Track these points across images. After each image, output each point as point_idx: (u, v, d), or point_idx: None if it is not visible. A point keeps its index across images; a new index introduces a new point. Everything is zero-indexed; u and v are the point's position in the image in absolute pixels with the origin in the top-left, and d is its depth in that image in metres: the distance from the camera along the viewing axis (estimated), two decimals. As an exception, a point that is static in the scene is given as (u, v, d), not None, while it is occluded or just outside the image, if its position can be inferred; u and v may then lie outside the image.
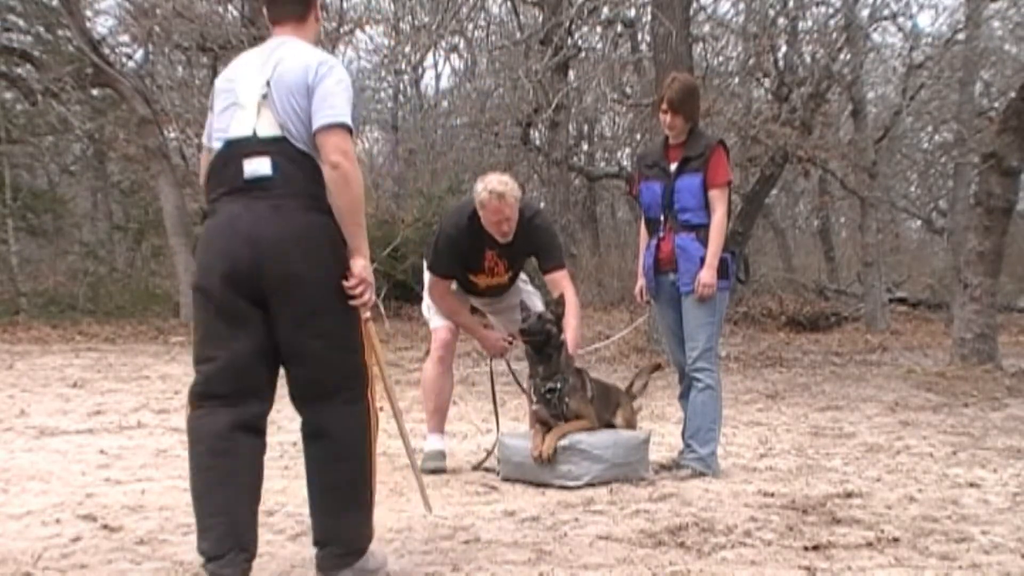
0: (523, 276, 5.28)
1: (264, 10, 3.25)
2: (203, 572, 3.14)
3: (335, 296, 2.96)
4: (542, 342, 4.57)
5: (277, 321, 2.95)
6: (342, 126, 2.92)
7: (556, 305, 4.69)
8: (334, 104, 2.93)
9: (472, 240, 4.86)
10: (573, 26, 12.24)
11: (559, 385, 4.60)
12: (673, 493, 4.38)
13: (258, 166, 2.92)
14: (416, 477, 3.48)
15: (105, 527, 3.69)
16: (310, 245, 2.92)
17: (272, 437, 6.00)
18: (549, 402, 4.62)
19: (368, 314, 3.06)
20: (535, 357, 4.63)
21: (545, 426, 4.65)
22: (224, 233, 2.95)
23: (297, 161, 2.94)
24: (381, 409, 3.20)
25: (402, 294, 15.18)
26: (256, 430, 3.03)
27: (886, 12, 15.27)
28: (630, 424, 5.02)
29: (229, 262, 2.92)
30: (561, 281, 4.86)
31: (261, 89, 2.96)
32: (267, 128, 2.94)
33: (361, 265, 2.98)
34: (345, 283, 2.97)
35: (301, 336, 2.96)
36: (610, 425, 4.89)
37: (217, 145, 3.01)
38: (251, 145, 2.94)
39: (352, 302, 3.00)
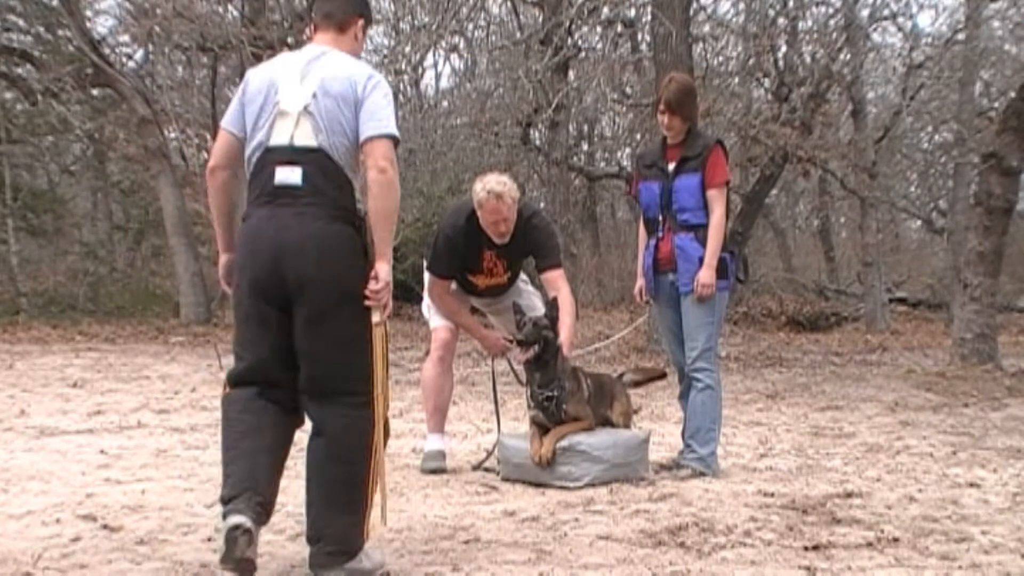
0: (523, 276, 5.27)
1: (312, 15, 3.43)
2: (202, 572, 3.15)
3: (345, 302, 3.07)
4: (539, 352, 4.55)
5: (293, 321, 3.07)
6: (390, 137, 3.10)
7: (551, 309, 4.67)
8: (382, 116, 3.10)
9: (470, 240, 4.86)
10: (573, 26, 12.23)
11: (556, 393, 4.58)
12: (673, 493, 4.38)
13: (289, 175, 3.07)
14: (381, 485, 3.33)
15: (105, 527, 3.69)
16: (325, 251, 3.05)
17: (272, 437, 5.98)
18: (547, 410, 4.61)
19: (379, 319, 3.13)
20: (532, 364, 4.61)
21: (543, 428, 4.65)
22: (251, 239, 3.12)
23: (327, 172, 3.09)
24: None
25: (402, 294, 15.14)
26: (286, 407, 3.16)
27: (886, 12, 15.29)
28: (626, 416, 5.01)
29: (254, 268, 3.09)
30: (557, 281, 4.86)
31: (305, 100, 3.10)
32: (304, 138, 3.09)
33: (386, 269, 3.10)
34: (370, 285, 3.08)
35: (310, 336, 3.07)
36: (607, 420, 4.88)
37: (256, 151, 3.15)
38: (286, 154, 3.09)
39: (368, 302, 3.09)
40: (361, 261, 3.11)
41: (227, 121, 3.24)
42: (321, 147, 3.09)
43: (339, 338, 3.08)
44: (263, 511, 2.99)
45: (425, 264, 5.15)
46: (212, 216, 3.35)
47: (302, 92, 3.11)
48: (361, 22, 3.36)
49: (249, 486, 2.98)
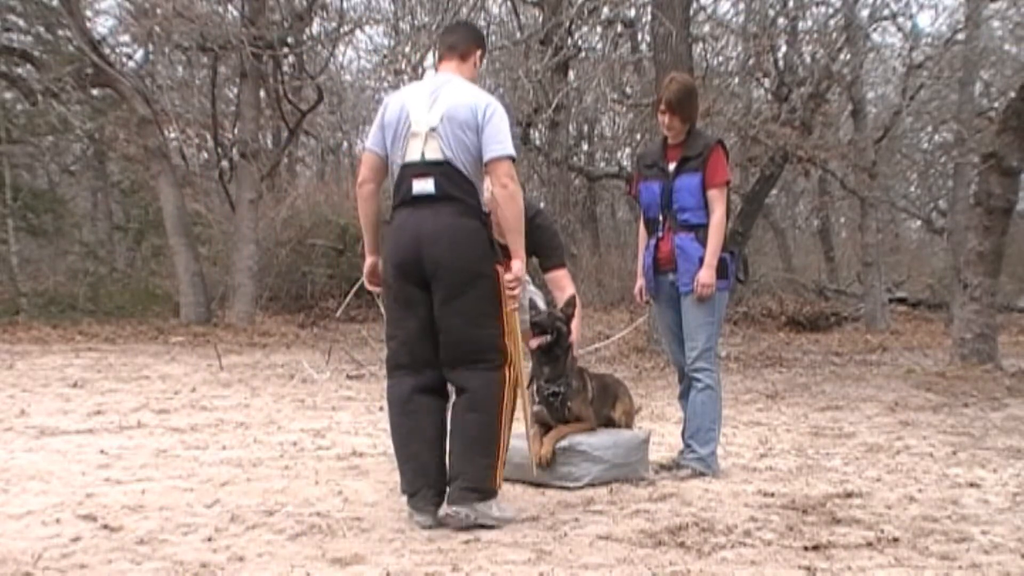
0: (525, 276, 5.26)
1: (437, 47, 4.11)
2: (202, 572, 3.17)
3: (473, 282, 3.70)
4: (551, 342, 4.54)
5: (433, 299, 3.71)
6: (510, 157, 3.73)
7: (567, 306, 4.65)
8: (502, 140, 3.72)
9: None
10: (573, 26, 12.23)
11: (563, 389, 4.57)
12: (673, 493, 4.38)
13: (424, 185, 3.72)
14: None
15: (105, 527, 3.69)
16: (455, 240, 3.69)
17: (272, 437, 6.04)
18: (552, 406, 4.60)
19: (515, 305, 3.84)
20: (542, 358, 4.58)
21: (544, 427, 4.64)
22: (397, 234, 3.76)
23: (454, 179, 3.72)
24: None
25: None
26: (436, 391, 3.82)
27: (886, 12, 15.28)
28: (628, 416, 4.99)
29: (400, 255, 3.74)
30: (562, 280, 4.85)
31: (431, 122, 3.73)
32: (432, 153, 3.73)
33: (519, 266, 3.77)
34: (506, 277, 3.74)
35: (446, 312, 3.71)
36: (609, 420, 4.87)
37: (396, 166, 3.80)
38: (419, 167, 3.74)
39: (508, 294, 3.76)
40: (487, 249, 3.75)
41: (370, 143, 3.90)
42: (447, 159, 3.70)
43: (469, 313, 3.69)
44: (439, 497, 3.72)
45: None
46: (361, 224, 4.01)
47: (430, 116, 3.73)
48: (479, 52, 4.03)
49: (423, 483, 3.71)
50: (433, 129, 3.71)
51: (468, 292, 3.69)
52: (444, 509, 3.71)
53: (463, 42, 4.01)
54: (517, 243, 3.77)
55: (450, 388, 3.89)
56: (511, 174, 3.72)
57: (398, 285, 3.77)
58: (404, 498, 3.80)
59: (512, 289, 3.77)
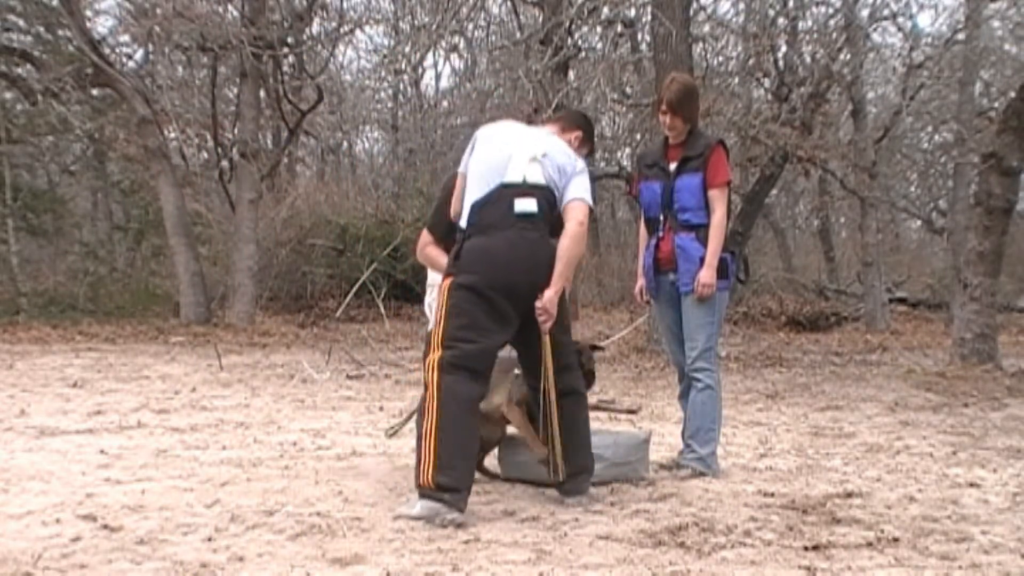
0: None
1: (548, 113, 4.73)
2: (202, 572, 3.15)
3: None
4: None
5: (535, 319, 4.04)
6: (588, 203, 4.18)
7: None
8: (584, 188, 4.18)
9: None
10: (573, 26, 12.22)
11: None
12: (673, 493, 4.38)
13: (527, 204, 4.02)
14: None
15: (105, 527, 3.68)
16: (552, 265, 4.07)
17: (272, 437, 6.03)
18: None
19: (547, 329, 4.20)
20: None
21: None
22: (505, 254, 3.97)
23: (549, 202, 4.10)
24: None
25: (402, 294, 15.19)
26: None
27: (886, 12, 15.28)
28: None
29: (512, 278, 3.95)
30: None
31: (534, 153, 4.10)
32: (535, 177, 4.07)
33: (549, 296, 4.02)
34: (537, 305, 3.98)
35: (554, 328, 4.10)
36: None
37: (492, 182, 4.03)
38: (521, 188, 4.04)
39: (539, 317, 4.02)
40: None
41: (464, 166, 4.16)
42: (548, 185, 4.08)
43: (563, 326, 4.16)
44: (467, 502, 3.84)
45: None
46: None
47: (534, 147, 4.11)
48: (578, 133, 4.52)
49: (468, 484, 3.82)
50: (535, 159, 4.07)
51: (561, 309, 4.12)
52: (568, 501, 4.12)
53: (568, 120, 4.59)
54: (565, 275, 4.06)
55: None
56: (585, 216, 4.14)
57: (500, 301, 3.94)
58: (420, 493, 3.78)
59: (540, 316, 4.02)
